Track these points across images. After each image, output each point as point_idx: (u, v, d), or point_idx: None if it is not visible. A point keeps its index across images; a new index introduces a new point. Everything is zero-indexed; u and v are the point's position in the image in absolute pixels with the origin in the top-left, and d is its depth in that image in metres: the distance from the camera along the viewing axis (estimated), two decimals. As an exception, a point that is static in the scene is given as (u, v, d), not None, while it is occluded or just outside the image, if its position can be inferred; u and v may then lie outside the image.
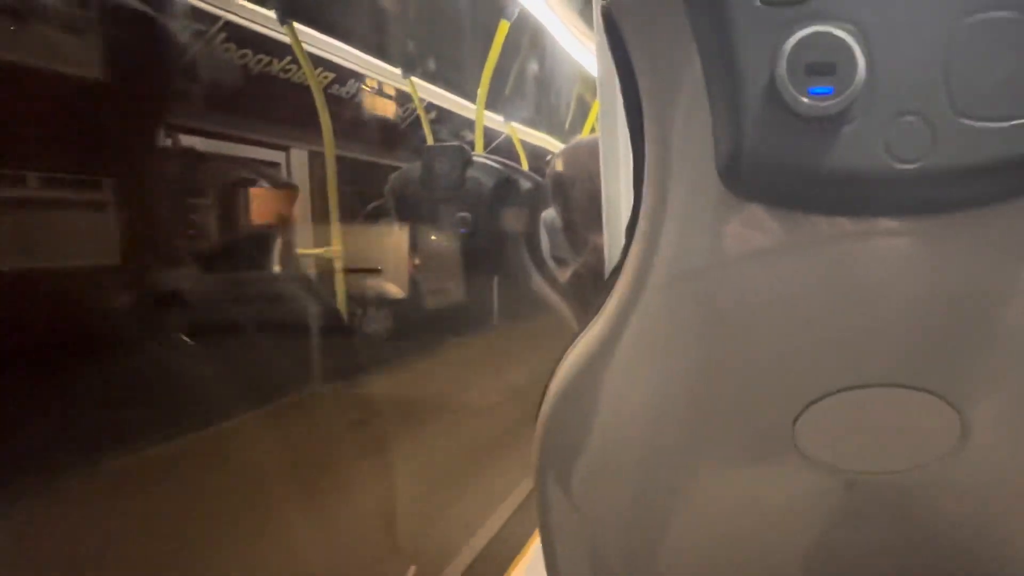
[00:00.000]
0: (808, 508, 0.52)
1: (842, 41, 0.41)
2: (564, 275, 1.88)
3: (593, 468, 0.56)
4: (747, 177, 0.45)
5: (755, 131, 0.43)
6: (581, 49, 3.24)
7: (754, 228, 0.48)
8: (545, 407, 0.58)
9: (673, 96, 0.49)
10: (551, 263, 1.97)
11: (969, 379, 0.48)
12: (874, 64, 0.41)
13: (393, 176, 1.84)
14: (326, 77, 2.84)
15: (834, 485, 0.51)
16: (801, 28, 0.42)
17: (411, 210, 1.78)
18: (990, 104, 0.41)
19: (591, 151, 1.25)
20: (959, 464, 0.49)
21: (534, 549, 1.52)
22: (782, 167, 0.44)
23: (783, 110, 0.42)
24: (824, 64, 0.41)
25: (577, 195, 1.54)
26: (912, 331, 0.48)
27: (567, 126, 4.86)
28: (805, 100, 0.41)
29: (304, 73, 2.48)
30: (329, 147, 2.38)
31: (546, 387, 0.58)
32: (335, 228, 2.42)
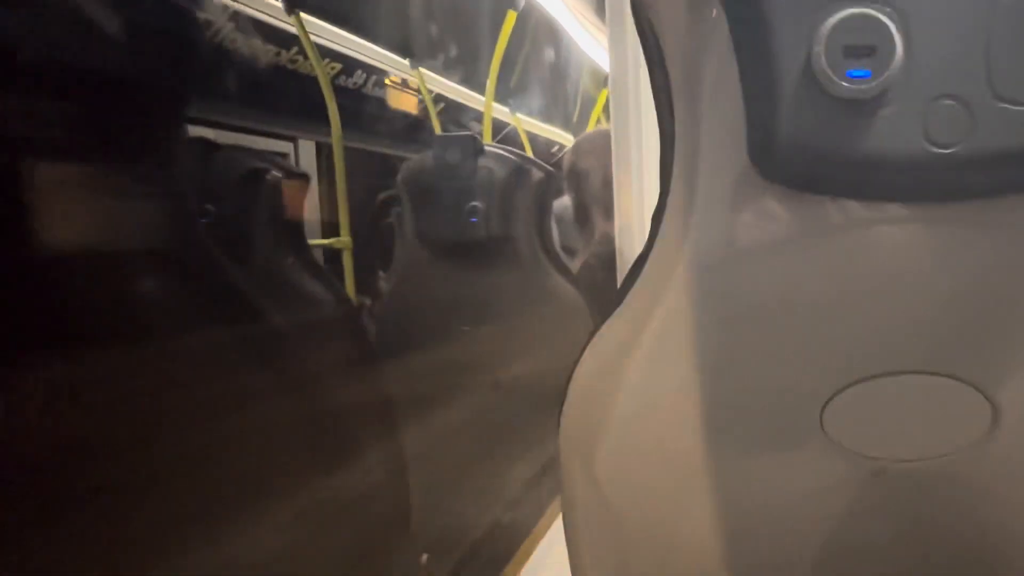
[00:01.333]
0: (835, 495, 0.52)
1: (881, 23, 0.41)
2: (575, 265, 1.88)
3: (617, 455, 0.55)
4: (781, 162, 0.45)
5: (790, 115, 0.43)
6: (589, 41, 3.23)
7: (785, 216, 0.47)
8: (569, 396, 0.58)
9: (704, 82, 0.48)
10: (561, 253, 1.97)
11: (1000, 367, 0.48)
12: (912, 47, 0.41)
13: (404, 166, 1.84)
14: (333, 68, 2.84)
15: (861, 473, 0.51)
16: (839, 9, 0.41)
17: (422, 200, 1.78)
18: None
19: (606, 141, 1.25)
20: (989, 452, 0.49)
21: (552, 531, 1.53)
22: (818, 151, 0.44)
23: (820, 93, 0.42)
24: (862, 47, 0.41)
25: (592, 185, 1.54)
26: (942, 318, 0.47)
27: (575, 118, 4.85)
28: (843, 83, 0.41)
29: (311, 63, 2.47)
30: (337, 138, 2.38)
31: (569, 376, 0.58)
32: (344, 218, 2.41)
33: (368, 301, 2.35)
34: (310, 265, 1.46)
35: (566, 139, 4.86)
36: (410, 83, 3.32)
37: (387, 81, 3.22)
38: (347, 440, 1.30)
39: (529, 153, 3.76)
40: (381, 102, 3.22)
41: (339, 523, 1.25)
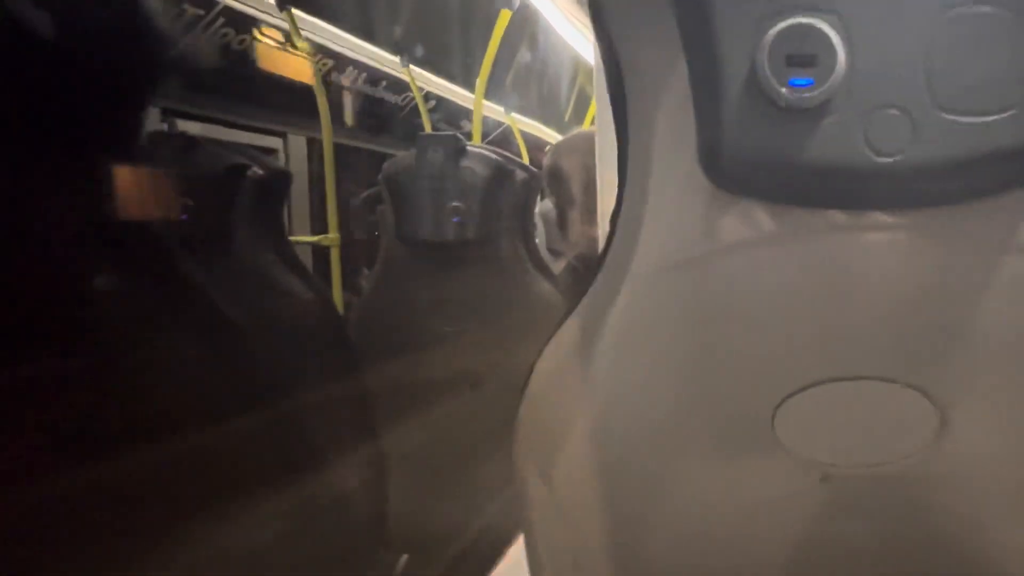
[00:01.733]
0: (788, 501, 0.52)
1: (823, 33, 0.41)
2: (559, 267, 1.88)
3: (574, 459, 0.55)
4: (728, 169, 0.45)
5: (736, 122, 0.43)
6: (582, 40, 3.23)
7: (736, 220, 0.47)
8: (526, 400, 0.58)
9: (657, 87, 0.48)
10: (547, 255, 1.97)
11: (948, 373, 0.48)
12: (855, 56, 0.41)
13: (387, 164, 1.84)
14: (324, 64, 2.83)
15: (812, 478, 0.51)
16: (782, 19, 0.41)
17: (404, 198, 1.78)
18: (970, 98, 0.41)
19: (587, 144, 1.25)
20: (937, 458, 0.49)
21: (517, 546, 1.53)
22: (763, 159, 0.44)
23: (764, 102, 0.42)
24: (805, 56, 0.41)
25: (572, 188, 1.53)
26: (891, 324, 0.47)
27: (566, 118, 4.85)
28: (785, 91, 0.41)
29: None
30: (327, 134, 2.38)
31: (526, 379, 0.58)
32: (332, 215, 2.41)
33: (351, 299, 2.35)
34: (291, 263, 1.45)
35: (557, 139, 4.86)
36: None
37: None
38: (318, 441, 1.30)
39: (524, 155, 3.75)
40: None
41: (315, 525, 1.25)
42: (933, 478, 0.50)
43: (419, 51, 3.44)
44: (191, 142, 1.53)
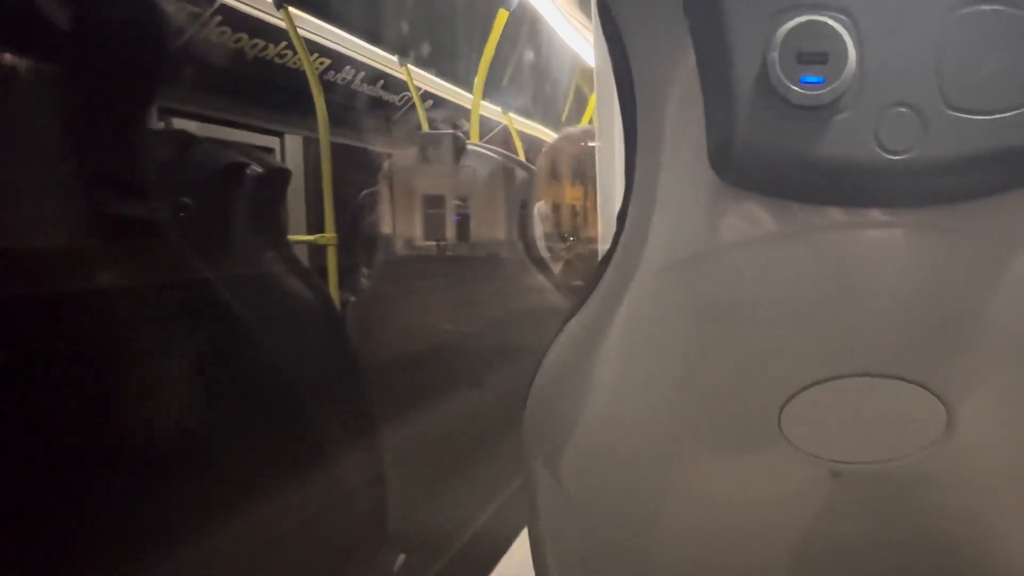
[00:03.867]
0: (795, 498, 0.53)
1: (834, 30, 0.41)
2: (557, 265, 1.88)
3: (582, 453, 0.56)
4: (738, 166, 0.46)
5: (746, 119, 0.44)
6: (578, 39, 3.23)
7: (744, 217, 0.48)
8: (533, 392, 0.58)
9: (667, 84, 0.49)
10: (545, 253, 1.97)
11: (956, 370, 0.48)
12: (865, 54, 0.42)
13: (387, 163, 1.84)
14: (321, 63, 2.83)
15: (820, 475, 0.51)
16: (794, 17, 0.42)
17: (405, 197, 1.78)
18: (980, 96, 0.41)
19: (580, 141, 1.26)
20: (944, 455, 0.49)
21: (521, 538, 1.53)
22: (773, 156, 0.44)
23: (774, 99, 0.42)
24: (816, 53, 0.41)
25: (567, 185, 1.54)
26: (900, 322, 0.48)
27: (563, 117, 4.85)
28: (796, 89, 0.42)
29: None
30: (324, 133, 2.37)
31: (534, 372, 0.58)
32: (329, 214, 2.41)
33: (350, 298, 2.35)
34: (289, 261, 1.45)
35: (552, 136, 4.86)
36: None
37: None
38: (319, 441, 1.30)
39: (520, 153, 3.75)
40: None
41: (311, 526, 1.24)
42: (940, 475, 0.50)
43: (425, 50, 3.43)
44: (190, 139, 1.53)
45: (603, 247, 1.31)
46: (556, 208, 1.94)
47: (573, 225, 2.08)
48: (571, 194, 2.15)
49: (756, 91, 0.43)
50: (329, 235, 2.41)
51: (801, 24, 0.41)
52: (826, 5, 0.42)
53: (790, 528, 0.54)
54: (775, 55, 0.41)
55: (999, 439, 0.50)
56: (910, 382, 0.48)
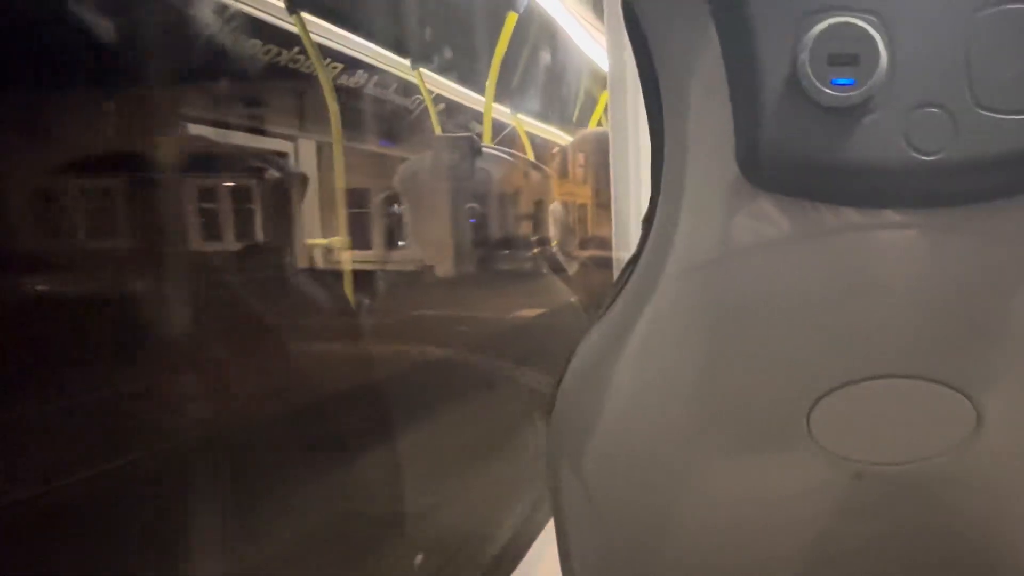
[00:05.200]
0: (820, 498, 0.53)
1: (865, 32, 0.41)
2: (572, 266, 1.89)
3: (605, 454, 0.56)
4: (766, 168, 0.46)
5: (775, 121, 0.44)
6: (590, 42, 3.23)
7: (771, 219, 0.48)
8: (560, 394, 0.59)
9: (693, 87, 0.49)
10: (560, 254, 1.97)
11: (984, 371, 0.48)
12: (896, 56, 0.42)
13: (402, 167, 1.85)
14: (335, 68, 2.84)
15: (845, 475, 0.51)
16: (824, 18, 0.42)
17: (420, 200, 1.78)
18: (1011, 96, 0.41)
19: (597, 143, 1.26)
20: (972, 456, 0.49)
21: (544, 535, 1.53)
22: (802, 158, 0.44)
23: (804, 100, 0.42)
24: (847, 55, 0.41)
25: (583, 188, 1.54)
26: (928, 323, 0.48)
27: (574, 119, 4.85)
28: (827, 90, 0.42)
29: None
30: (337, 137, 2.38)
31: (560, 375, 0.59)
32: (341, 218, 2.42)
33: (366, 301, 2.36)
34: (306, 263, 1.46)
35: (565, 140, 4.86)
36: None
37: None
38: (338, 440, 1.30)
39: (530, 154, 3.75)
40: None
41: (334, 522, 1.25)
42: (966, 475, 0.50)
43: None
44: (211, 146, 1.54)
45: (616, 249, 1.31)
46: (570, 208, 1.94)
47: (587, 226, 2.09)
48: (585, 194, 2.16)
49: (785, 93, 0.43)
50: (343, 239, 2.42)
51: (832, 25, 0.41)
52: (854, 6, 0.42)
53: (809, 528, 0.54)
54: (806, 57, 0.42)
55: None
56: (939, 383, 0.48)
